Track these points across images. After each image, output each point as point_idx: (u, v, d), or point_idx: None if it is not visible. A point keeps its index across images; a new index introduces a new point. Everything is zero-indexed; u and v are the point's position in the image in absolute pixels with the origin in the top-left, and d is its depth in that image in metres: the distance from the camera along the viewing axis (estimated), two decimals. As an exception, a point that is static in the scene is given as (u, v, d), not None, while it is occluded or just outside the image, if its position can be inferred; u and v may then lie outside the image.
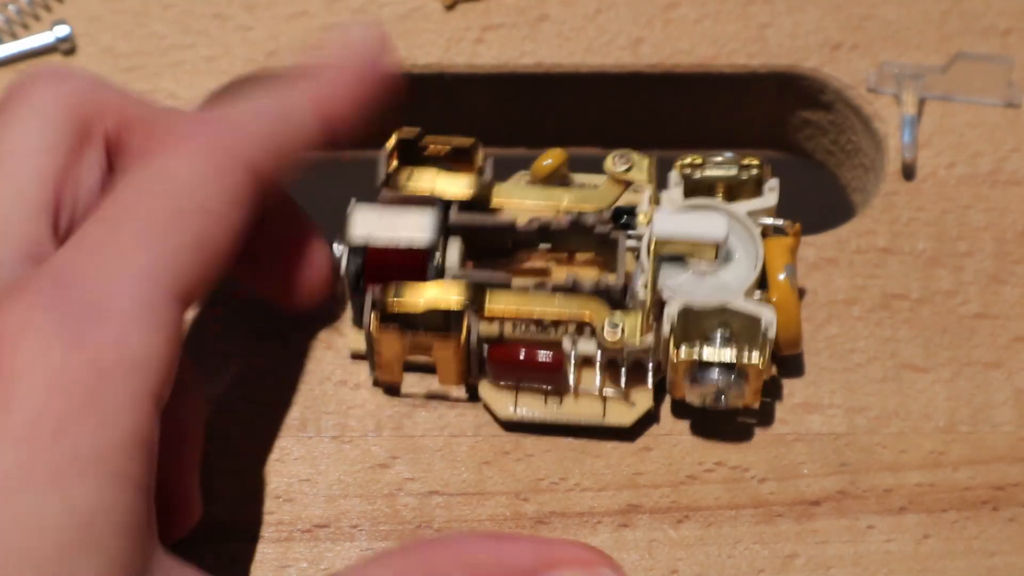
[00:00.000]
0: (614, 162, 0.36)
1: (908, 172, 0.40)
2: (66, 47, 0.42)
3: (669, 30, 0.43)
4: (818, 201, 0.47)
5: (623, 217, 0.36)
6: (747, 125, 0.45)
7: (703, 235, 0.34)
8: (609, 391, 0.35)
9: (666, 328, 0.34)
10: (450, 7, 0.43)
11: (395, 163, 0.36)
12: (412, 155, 0.36)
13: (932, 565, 0.35)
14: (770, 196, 0.36)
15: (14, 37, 0.42)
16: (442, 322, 0.34)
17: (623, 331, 0.33)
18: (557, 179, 0.37)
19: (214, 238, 0.30)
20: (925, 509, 0.36)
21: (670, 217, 0.34)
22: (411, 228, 0.34)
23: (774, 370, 0.36)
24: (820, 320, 0.38)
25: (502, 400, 0.36)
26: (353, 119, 0.34)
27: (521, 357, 0.34)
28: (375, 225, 0.35)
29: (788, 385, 0.37)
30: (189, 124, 0.32)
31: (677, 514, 0.36)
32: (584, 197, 0.36)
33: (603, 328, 0.34)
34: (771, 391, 0.37)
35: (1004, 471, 0.36)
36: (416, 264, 0.34)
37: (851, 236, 0.39)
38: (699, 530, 0.35)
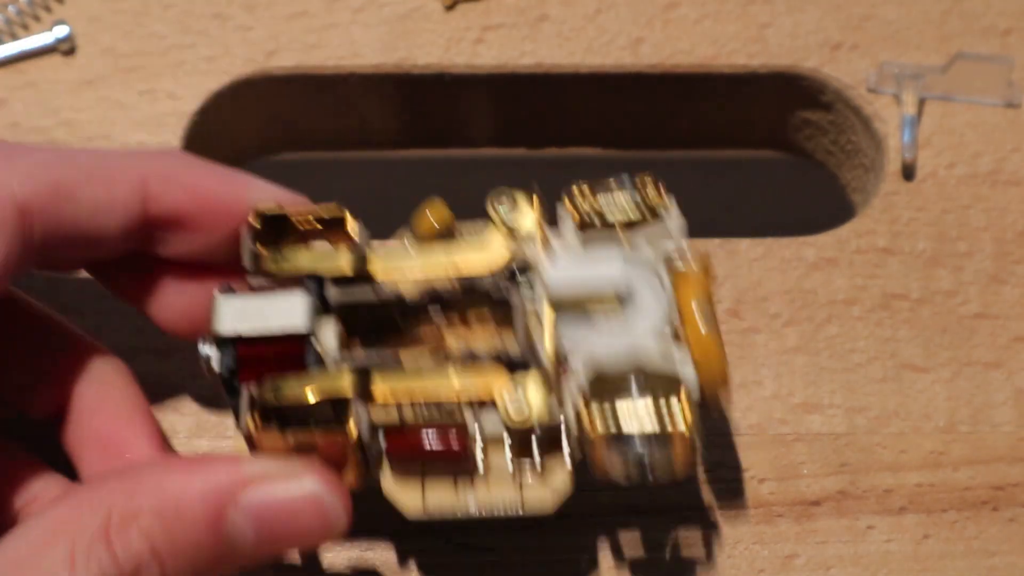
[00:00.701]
0: (495, 206, 0.32)
1: (908, 172, 0.40)
2: (66, 47, 0.42)
3: (669, 30, 0.43)
4: (818, 201, 0.47)
5: (517, 275, 0.32)
6: (747, 125, 0.45)
7: (598, 284, 0.31)
8: (525, 470, 0.31)
9: (572, 399, 0.30)
10: (450, 7, 0.43)
11: (259, 246, 0.32)
12: (279, 230, 0.32)
13: (932, 565, 0.35)
14: (670, 221, 0.32)
15: (14, 37, 0.42)
16: (330, 415, 0.30)
17: (528, 406, 0.30)
18: (442, 234, 0.32)
19: None
20: (925, 509, 0.36)
21: (561, 269, 0.31)
22: (283, 314, 0.30)
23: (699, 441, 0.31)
24: (820, 320, 0.38)
25: (408, 494, 0.31)
26: (189, 214, 0.32)
27: (422, 445, 0.30)
28: (243, 315, 0.31)
29: (788, 385, 0.37)
30: None
31: (677, 514, 0.35)
32: (472, 257, 0.32)
33: (506, 406, 0.30)
34: (771, 393, 0.37)
35: (1004, 471, 0.36)
36: (294, 353, 0.30)
37: (851, 236, 0.39)
38: (699, 530, 0.35)
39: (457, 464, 0.31)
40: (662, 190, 0.32)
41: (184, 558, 0.29)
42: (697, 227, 0.38)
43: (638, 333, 0.31)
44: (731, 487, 0.36)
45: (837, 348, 0.38)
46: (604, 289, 0.31)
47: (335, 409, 0.30)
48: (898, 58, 0.42)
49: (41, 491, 0.33)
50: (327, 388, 0.30)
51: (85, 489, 0.29)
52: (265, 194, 0.33)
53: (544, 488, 0.31)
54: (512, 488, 0.31)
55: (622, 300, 0.31)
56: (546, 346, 0.31)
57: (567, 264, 0.31)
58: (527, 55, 0.42)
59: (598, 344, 0.31)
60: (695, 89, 0.43)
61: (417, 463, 0.31)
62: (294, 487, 0.30)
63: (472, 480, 0.31)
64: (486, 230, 0.32)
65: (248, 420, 0.30)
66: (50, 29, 0.42)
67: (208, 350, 0.31)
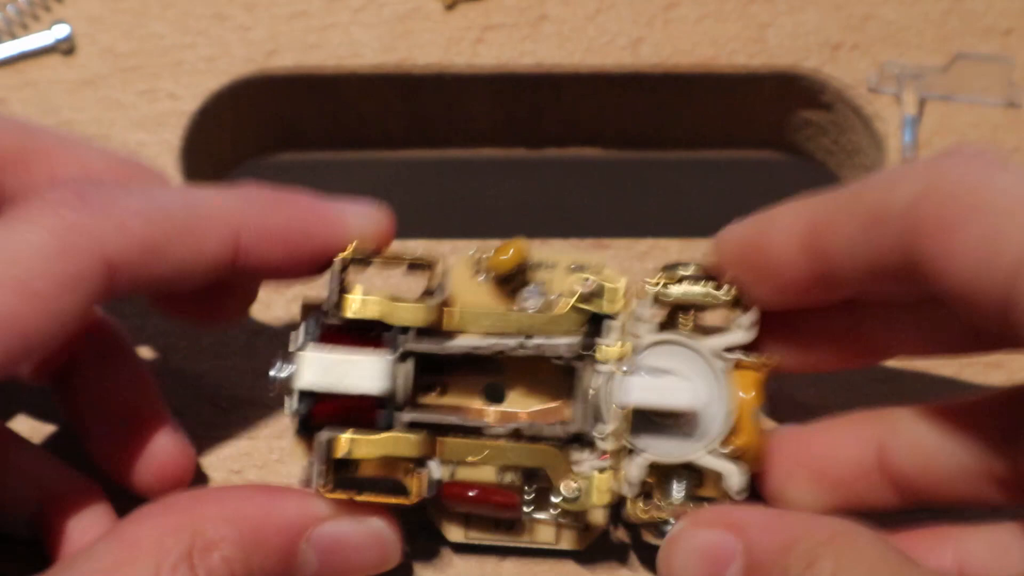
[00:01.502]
0: (581, 288, 0.33)
1: (909, 172, 0.40)
2: (66, 47, 0.42)
3: (669, 30, 0.43)
4: (818, 201, 0.47)
5: (588, 348, 0.33)
6: (747, 125, 0.45)
7: (676, 406, 0.32)
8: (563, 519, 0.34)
9: (627, 488, 0.32)
10: (450, 7, 0.43)
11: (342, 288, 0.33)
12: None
13: (933, 566, 0.35)
14: (744, 333, 0.33)
15: (13, 37, 0.42)
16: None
17: (586, 498, 0.32)
18: (519, 272, 0.34)
19: (25, 319, 0.29)
20: (926, 510, 0.35)
21: (641, 384, 0.32)
22: (363, 376, 0.32)
23: None
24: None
25: (452, 525, 0.34)
26: (277, 261, 0.32)
27: (474, 495, 0.33)
28: (325, 371, 0.32)
29: (789, 386, 0.37)
30: (59, 191, 0.30)
31: (677, 515, 0.35)
32: (544, 323, 0.33)
33: (563, 493, 0.32)
34: (771, 392, 0.37)
35: (1005, 471, 0.36)
36: (367, 409, 0.32)
37: (851, 236, 0.39)
38: (699, 531, 0.35)
39: (504, 515, 0.33)
40: (735, 290, 0.33)
41: None
42: (697, 227, 0.38)
43: (697, 448, 0.33)
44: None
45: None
46: (677, 410, 0.33)
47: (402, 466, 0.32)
48: (899, 58, 0.42)
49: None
50: (397, 451, 0.32)
51: (167, 510, 0.31)
52: (360, 223, 0.33)
53: (578, 530, 0.34)
54: (551, 532, 0.34)
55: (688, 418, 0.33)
56: (612, 445, 0.32)
57: (643, 381, 0.33)
58: (527, 55, 0.42)
59: (658, 451, 0.33)
60: (695, 89, 0.43)
61: (465, 507, 0.33)
62: (362, 526, 0.32)
63: (512, 523, 0.34)
64: (562, 303, 0.33)
65: (320, 486, 0.32)
66: (50, 29, 0.42)
67: (280, 373, 0.32)
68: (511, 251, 0.33)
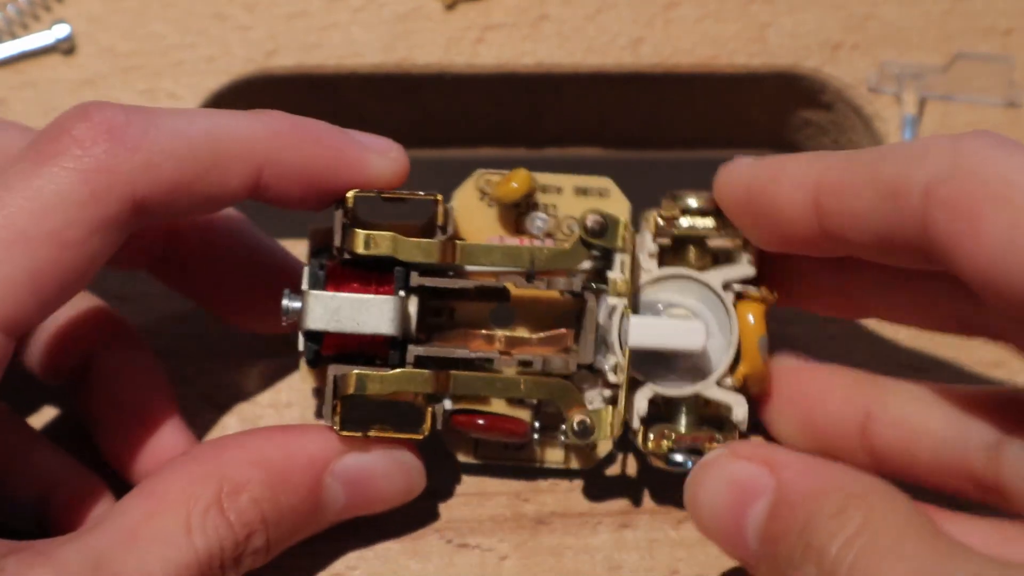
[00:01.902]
0: (586, 225, 0.33)
1: (909, 172, 0.40)
2: (66, 47, 0.42)
3: (669, 30, 0.43)
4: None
5: (593, 283, 0.33)
6: (747, 125, 0.45)
7: (681, 347, 0.33)
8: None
9: (635, 421, 0.33)
10: (450, 7, 0.43)
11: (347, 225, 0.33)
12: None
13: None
14: (748, 267, 0.34)
15: (14, 37, 0.42)
16: (408, 410, 0.33)
17: (592, 432, 0.33)
18: (524, 202, 0.35)
19: (60, 268, 0.29)
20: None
21: (645, 325, 0.33)
22: (374, 317, 0.32)
23: None
24: (820, 320, 0.38)
25: (463, 446, 0.35)
26: (294, 197, 0.32)
27: (483, 424, 0.34)
28: (335, 313, 0.32)
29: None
30: (89, 130, 0.30)
31: (678, 514, 0.35)
32: (552, 258, 0.33)
33: (572, 427, 0.33)
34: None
35: (1005, 471, 0.36)
36: (378, 346, 0.32)
37: (852, 236, 0.39)
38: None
39: (513, 442, 0.34)
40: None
41: (286, 522, 0.32)
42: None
43: (703, 379, 0.34)
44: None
45: (838, 348, 0.38)
46: (684, 351, 0.33)
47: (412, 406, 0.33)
48: (899, 58, 0.42)
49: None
50: (409, 387, 0.32)
51: (191, 461, 0.31)
52: (380, 163, 0.33)
53: (586, 450, 0.35)
54: (560, 453, 0.35)
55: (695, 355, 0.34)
56: (616, 366, 0.33)
57: (648, 322, 0.33)
58: (527, 55, 0.42)
59: (663, 381, 0.34)
60: (695, 89, 0.43)
61: (475, 435, 0.34)
62: (382, 456, 0.33)
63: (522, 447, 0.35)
64: (571, 237, 0.34)
65: (334, 420, 0.32)
66: (50, 29, 0.42)
67: (290, 304, 0.32)
68: (517, 181, 0.34)
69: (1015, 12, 0.43)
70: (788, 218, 0.31)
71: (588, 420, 0.33)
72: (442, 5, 0.43)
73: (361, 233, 0.32)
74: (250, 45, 0.42)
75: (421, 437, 0.33)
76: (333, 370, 0.32)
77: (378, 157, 0.33)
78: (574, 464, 0.35)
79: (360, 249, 0.32)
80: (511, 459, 0.35)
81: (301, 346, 0.32)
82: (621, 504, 0.35)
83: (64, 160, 0.29)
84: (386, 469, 0.33)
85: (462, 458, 0.35)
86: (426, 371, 0.32)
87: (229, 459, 0.31)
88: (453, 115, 0.44)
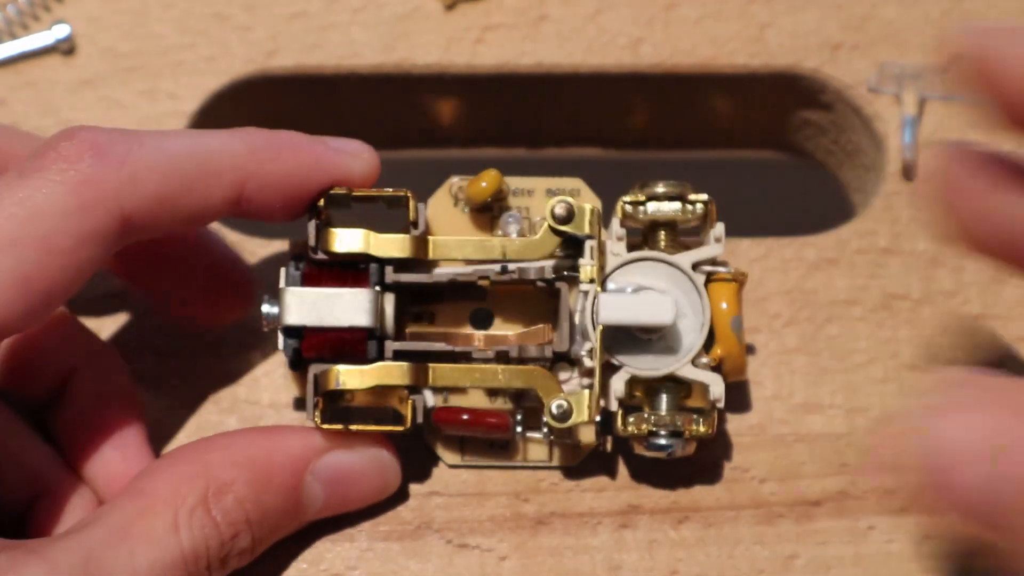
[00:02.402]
0: (554, 212, 0.33)
1: (909, 172, 0.40)
2: (66, 47, 0.42)
3: (669, 30, 0.43)
4: (818, 201, 0.47)
5: (568, 270, 0.34)
6: (747, 125, 0.45)
7: (650, 322, 0.33)
8: (555, 437, 0.35)
9: (613, 403, 0.33)
10: (450, 7, 0.43)
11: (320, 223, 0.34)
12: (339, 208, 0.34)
13: (933, 566, 0.35)
14: (716, 246, 0.34)
15: (14, 37, 0.42)
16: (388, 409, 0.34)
17: (572, 414, 0.33)
18: (496, 201, 0.36)
19: (47, 274, 0.29)
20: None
21: (615, 302, 0.33)
22: (349, 310, 0.33)
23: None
24: (821, 321, 0.38)
25: (448, 450, 0.36)
26: (276, 207, 0.33)
27: (466, 419, 0.34)
28: (311, 307, 0.33)
29: (789, 385, 0.37)
30: (73, 147, 0.30)
31: (677, 514, 0.35)
32: (523, 248, 0.34)
33: (551, 410, 0.33)
34: (772, 393, 0.37)
35: (1005, 471, 0.36)
36: (356, 342, 0.33)
37: (851, 236, 0.39)
38: (699, 531, 0.35)
39: (496, 436, 0.35)
40: (712, 207, 0.35)
41: (268, 522, 0.33)
42: (697, 227, 0.38)
43: (678, 360, 0.34)
44: (731, 487, 0.36)
45: (838, 348, 0.38)
46: (654, 325, 0.33)
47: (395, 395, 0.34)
48: (899, 58, 0.42)
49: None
50: (387, 380, 0.33)
51: (179, 461, 0.32)
52: (354, 165, 0.33)
53: (570, 447, 0.35)
54: (544, 450, 0.35)
55: (665, 330, 0.34)
56: (591, 350, 0.33)
57: (618, 298, 0.33)
58: (527, 55, 0.42)
59: (639, 365, 0.34)
60: (695, 89, 0.43)
61: (459, 432, 0.35)
62: (360, 455, 0.34)
63: (507, 445, 0.35)
64: (539, 227, 0.34)
65: (315, 417, 0.33)
66: (50, 29, 0.42)
67: (270, 309, 0.33)
68: (487, 180, 0.35)
69: (1015, 12, 0.43)
70: None
71: (566, 403, 0.33)
72: (442, 5, 0.43)
73: (335, 231, 0.33)
74: (250, 45, 0.42)
75: (403, 429, 0.33)
76: (314, 369, 0.33)
77: (352, 159, 0.33)
78: (557, 461, 0.35)
79: (333, 247, 0.33)
80: (497, 458, 0.35)
81: (281, 345, 0.33)
82: (621, 504, 0.36)
83: (50, 174, 0.30)
84: (364, 468, 0.34)
85: (449, 460, 0.36)
86: (405, 363, 0.33)
87: (215, 460, 0.32)
88: (453, 115, 0.44)
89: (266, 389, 0.37)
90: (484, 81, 0.43)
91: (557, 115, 0.45)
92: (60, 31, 0.42)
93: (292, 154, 0.33)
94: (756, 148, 0.47)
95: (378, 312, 0.33)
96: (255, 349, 0.38)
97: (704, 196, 0.34)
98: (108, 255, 0.31)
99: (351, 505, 0.34)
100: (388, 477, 0.34)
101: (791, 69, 0.42)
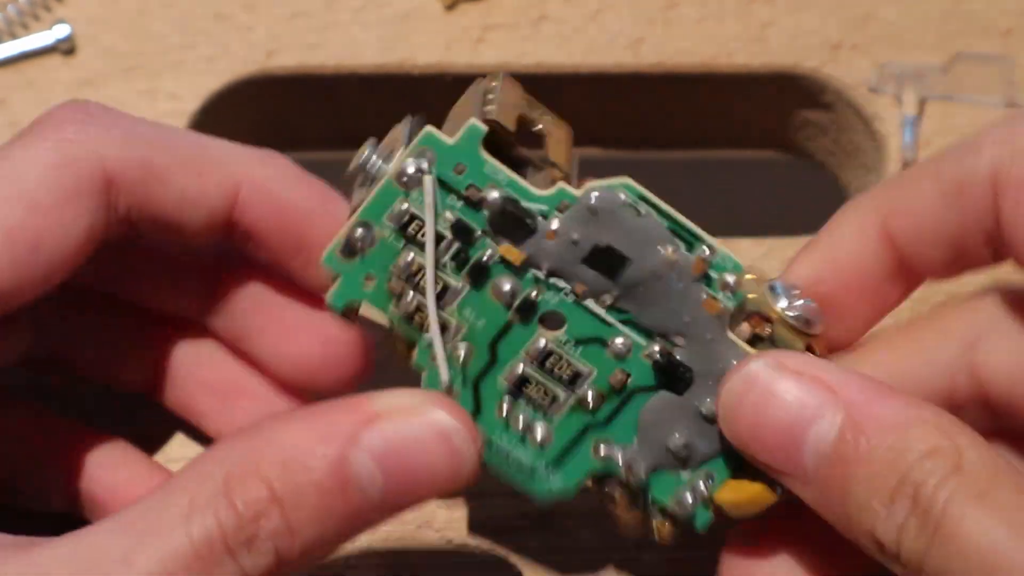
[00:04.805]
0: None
1: (909, 172, 0.40)
2: (66, 47, 0.42)
3: (670, 30, 0.43)
4: (818, 201, 0.47)
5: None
6: (747, 125, 0.45)
7: None
8: None
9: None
10: (450, 7, 0.43)
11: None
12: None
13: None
14: None
15: (14, 37, 0.42)
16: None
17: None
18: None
19: (31, 231, 0.29)
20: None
21: None
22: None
23: None
24: (821, 320, 0.38)
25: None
26: (272, 231, 0.32)
27: None
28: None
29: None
30: (65, 111, 0.31)
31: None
32: None
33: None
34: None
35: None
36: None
37: (852, 236, 0.39)
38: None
39: None
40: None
41: (309, 506, 0.27)
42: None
43: None
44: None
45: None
46: None
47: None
48: (899, 58, 0.42)
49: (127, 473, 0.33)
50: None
51: (205, 455, 0.28)
52: None
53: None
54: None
55: None
56: None
57: None
58: (527, 55, 0.42)
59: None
60: (695, 89, 0.43)
61: None
62: (419, 421, 0.28)
63: None
64: None
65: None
66: (50, 29, 0.42)
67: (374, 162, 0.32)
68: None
69: (1015, 12, 0.43)
70: (860, 276, 0.31)
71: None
72: (442, 5, 0.43)
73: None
74: (250, 45, 0.42)
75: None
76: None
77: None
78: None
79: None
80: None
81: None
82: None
83: (39, 135, 0.30)
84: (427, 439, 0.28)
85: None
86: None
87: (240, 445, 0.28)
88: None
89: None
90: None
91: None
92: (60, 31, 0.42)
93: (296, 179, 0.32)
94: (756, 148, 0.47)
95: None
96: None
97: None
98: (93, 226, 0.30)
99: (419, 487, 0.28)
100: (459, 450, 0.28)
101: (791, 69, 0.42)
